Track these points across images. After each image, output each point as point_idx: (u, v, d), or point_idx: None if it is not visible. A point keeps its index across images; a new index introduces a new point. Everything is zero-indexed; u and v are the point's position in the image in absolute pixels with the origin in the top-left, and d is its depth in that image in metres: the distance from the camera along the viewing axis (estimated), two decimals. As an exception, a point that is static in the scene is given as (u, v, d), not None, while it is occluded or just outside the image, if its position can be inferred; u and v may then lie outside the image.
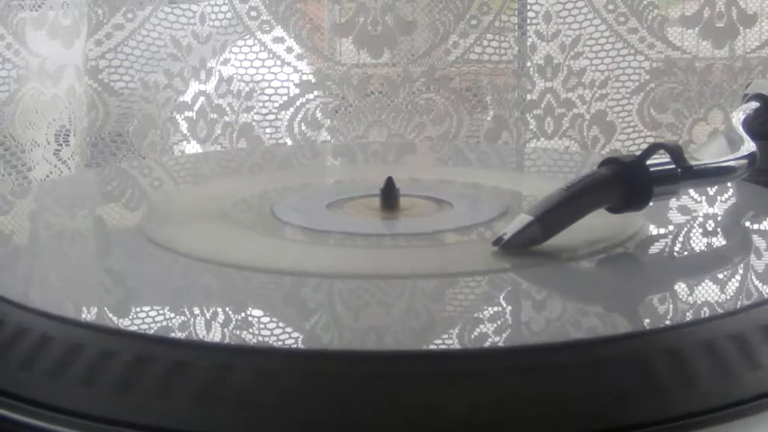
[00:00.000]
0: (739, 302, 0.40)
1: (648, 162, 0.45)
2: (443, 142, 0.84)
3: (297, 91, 0.83)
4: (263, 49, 0.83)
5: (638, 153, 0.45)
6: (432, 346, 0.36)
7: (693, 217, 0.53)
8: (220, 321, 0.38)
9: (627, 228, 0.46)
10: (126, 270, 0.46)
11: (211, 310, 0.39)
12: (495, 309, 0.40)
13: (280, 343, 0.36)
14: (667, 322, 0.38)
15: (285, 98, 0.83)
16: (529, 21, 0.85)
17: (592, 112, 0.87)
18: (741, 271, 0.44)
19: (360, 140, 0.83)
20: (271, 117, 0.84)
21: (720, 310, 0.39)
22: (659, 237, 0.48)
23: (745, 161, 0.49)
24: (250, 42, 0.83)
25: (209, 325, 0.38)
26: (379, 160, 0.69)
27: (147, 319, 0.39)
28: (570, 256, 0.43)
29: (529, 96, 0.87)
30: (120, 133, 0.82)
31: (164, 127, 0.82)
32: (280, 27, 0.82)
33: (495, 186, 0.56)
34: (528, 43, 0.86)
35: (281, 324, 0.38)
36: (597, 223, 0.45)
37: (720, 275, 0.43)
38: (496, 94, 0.86)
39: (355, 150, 0.75)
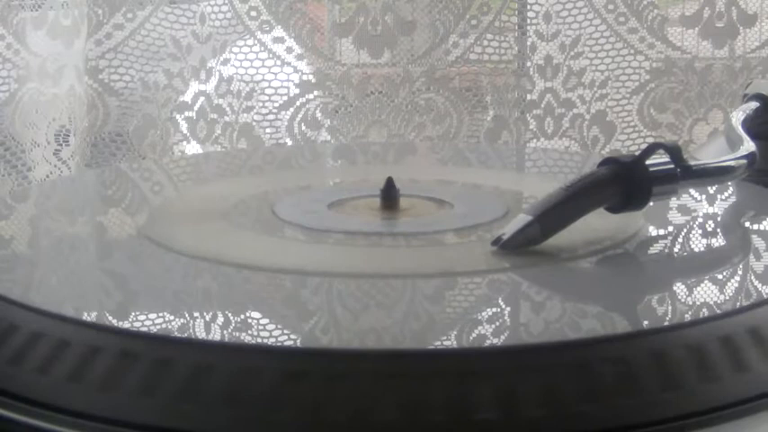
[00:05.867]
0: (738, 303, 0.40)
1: (648, 162, 0.45)
2: (443, 142, 0.84)
3: (297, 91, 0.83)
4: (263, 49, 0.83)
5: (638, 153, 0.45)
6: (431, 347, 0.36)
7: (693, 217, 0.53)
8: (220, 321, 0.38)
9: (627, 228, 0.46)
10: (126, 270, 0.46)
11: (211, 310, 0.39)
12: (495, 309, 0.40)
13: (279, 342, 0.36)
14: (666, 323, 0.38)
15: (285, 98, 0.83)
16: (529, 21, 0.85)
17: (592, 112, 0.87)
18: (740, 271, 0.44)
19: (360, 140, 0.83)
20: (271, 117, 0.84)
21: (720, 311, 0.39)
22: (659, 237, 0.48)
23: (744, 161, 0.49)
24: (250, 42, 0.83)
25: (208, 325, 0.38)
26: (379, 160, 0.69)
27: (146, 319, 0.39)
28: (570, 256, 0.43)
29: (529, 96, 0.87)
30: (120, 133, 0.82)
31: (164, 127, 0.82)
32: (280, 27, 0.82)
33: (496, 186, 0.56)
34: (528, 43, 0.86)
35: (280, 324, 0.38)
36: (597, 223, 0.45)
37: (720, 276, 0.43)
38: (496, 94, 0.86)
39: (355, 151, 0.75)
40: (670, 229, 0.50)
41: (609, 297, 0.41)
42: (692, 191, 0.54)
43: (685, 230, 0.50)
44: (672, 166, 0.46)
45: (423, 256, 0.45)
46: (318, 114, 0.84)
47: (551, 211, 0.43)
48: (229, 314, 0.39)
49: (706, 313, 0.38)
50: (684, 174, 0.46)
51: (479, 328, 0.37)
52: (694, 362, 0.34)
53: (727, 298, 0.40)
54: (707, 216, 0.53)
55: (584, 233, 0.44)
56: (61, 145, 0.79)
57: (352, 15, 0.82)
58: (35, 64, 0.77)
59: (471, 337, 0.37)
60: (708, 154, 0.60)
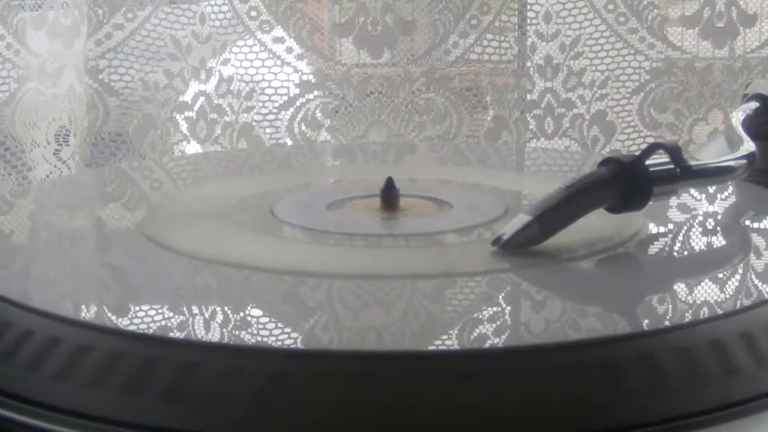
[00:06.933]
0: (739, 302, 0.40)
1: (648, 162, 0.45)
2: (443, 142, 0.84)
3: (297, 91, 0.83)
4: (263, 49, 0.83)
5: (638, 153, 0.45)
6: (431, 347, 0.36)
7: (693, 217, 0.53)
8: (220, 321, 0.38)
9: (627, 228, 0.46)
10: (126, 270, 0.46)
11: (211, 310, 0.39)
12: (495, 309, 0.40)
13: (279, 343, 0.36)
14: (667, 322, 0.38)
15: (285, 98, 0.83)
16: (529, 21, 0.85)
17: (592, 112, 0.87)
18: (740, 271, 0.44)
19: (360, 140, 0.83)
20: (271, 117, 0.84)
21: (720, 311, 0.39)
22: (659, 237, 0.48)
23: (744, 161, 0.49)
24: (250, 42, 0.83)
25: (208, 324, 0.38)
26: (379, 160, 0.69)
27: (146, 318, 0.39)
28: (570, 256, 0.43)
29: (529, 96, 0.87)
30: (120, 133, 0.82)
31: (164, 127, 0.82)
32: (280, 27, 0.82)
33: (495, 186, 0.56)
34: (528, 43, 0.86)
35: (280, 324, 0.38)
36: (597, 223, 0.45)
37: (720, 275, 0.43)
38: (496, 94, 0.86)
39: (355, 150, 0.75)
40: (670, 229, 0.50)
41: (609, 297, 0.41)
42: (692, 191, 0.54)
43: (685, 230, 0.50)
44: (672, 166, 0.46)
45: (422, 256, 0.45)
46: (318, 114, 0.84)
47: (551, 211, 0.43)
48: (228, 313, 0.39)
49: (706, 313, 0.38)
50: (684, 174, 0.46)
51: (479, 328, 0.37)
52: (694, 361, 0.34)
53: (728, 298, 0.40)
54: (707, 216, 0.53)
55: (584, 233, 0.44)
56: (61, 145, 0.79)
57: (352, 15, 0.82)
58: (35, 64, 0.77)
59: (471, 338, 0.37)
60: (708, 154, 0.60)
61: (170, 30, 0.81)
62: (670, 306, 0.40)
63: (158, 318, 0.38)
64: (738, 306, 0.39)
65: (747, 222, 0.54)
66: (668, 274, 0.44)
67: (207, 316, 0.39)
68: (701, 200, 0.54)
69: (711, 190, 0.55)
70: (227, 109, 0.83)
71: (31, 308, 0.38)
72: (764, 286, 0.42)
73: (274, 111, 0.84)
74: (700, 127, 0.88)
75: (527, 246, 0.43)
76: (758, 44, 0.88)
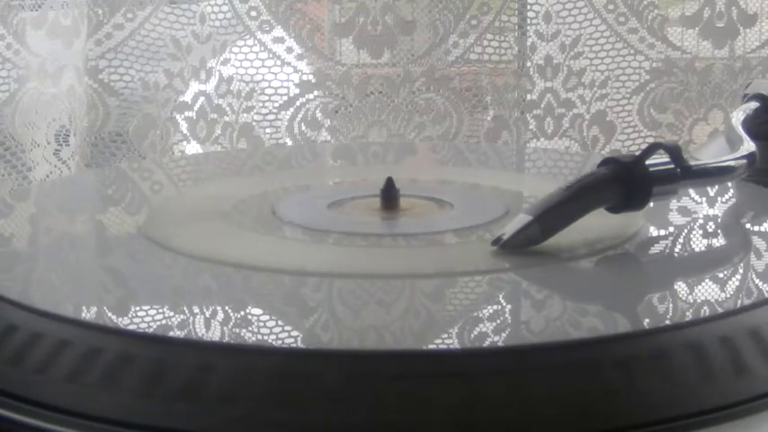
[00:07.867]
0: (739, 302, 0.40)
1: (648, 162, 0.45)
2: (443, 142, 0.84)
3: (297, 91, 0.83)
4: (263, 49, 0.83)
5: (638, 153, 0.45)
6: (431, 346, 0.36)
7: (693, 217, 0.53)
8: (220, 320, 0.38)
9: (627, 228, 0.46)
10: (126, 270, 0.46)
11: (211, 310, 0.39)
12: (495, 309, 0.40)
13: (279, 342, 0.36)
14: (667, 322, 0.38)
15: (285, 98, 0.83)
16: (529, 21, 0.85)
17: (592, 112, 0.87)
18: (741, 271, 0.44)
19: (360, 140, 0.83)
20: (271, 117, 0.84)
21: (720, 310, 0.39)
22: (659, 237, 0.48)
23: (744, 161, 0.49)
24: (250, 42, 0.83)
25: (208, 324, 0.38)
26: (379, 160, 0.69)
27: (146, 318, 0.39)
28: (570, 256, 0.43)
29: (529, 96, 0.87)
30: (120, 133, 0.82)
31: (164, 127, 0.82)
32: (280, 27, 0.82)
33: (495, 187, 0.56)
34: (528, 43, 0.86)
35: (280, 323, 0.38)
36: (597, 223, 0.45)
37: (720, 275, 0.44)
38: (496, 94, 0.86)
39: (355, 151, 0.75)
40: (670, 229, 0.50)
41: (609, 297, 0.41)
42: (692, 191, 0.54)
43: (685, 230, 0.50)
44: (672, 166, 0.46)
45: (422, 256, 0.45)
46: (318, 114, 0.84)
47: (551, 211, 0.43)
48: (229, 313, 0.39)
49: (707, 313, 0.38)
50: (684, 174, 0.46)
51: (479, 327, 0.37)
52: (694, 361, 0.34)
53: (728, 297, 0.40)
54: (707, 216, 0.53)
55: (584, 233, 0.44)
56: (61, 145, 0.78)
57: (352, 15, 0.82)
58: (35, 64, 0.77)
59: (471, 337, 0.37)
60: (708, 154, 0.60)
61: (170, 30, 0.81)
62: (670, 306, 0.40)
63: (157, 317, 0.38)
64: (739, 305, 0.39)
65: (747, 222, 0.54)
66: (668, 273, 0.44)
67: (206, 315, 0.39)
68: (701, 200, 0.54)
69: (711, 190, 0.55)
70: (227, 109, 0.83)
71: (35, 309, 0.38)
72: (765, 286, 0.42)
73: (274, 111, 0.84)
74: (700, 127, 0.88)
75: (527, 246, 0.43)
76: (758, 44, 0.88)
